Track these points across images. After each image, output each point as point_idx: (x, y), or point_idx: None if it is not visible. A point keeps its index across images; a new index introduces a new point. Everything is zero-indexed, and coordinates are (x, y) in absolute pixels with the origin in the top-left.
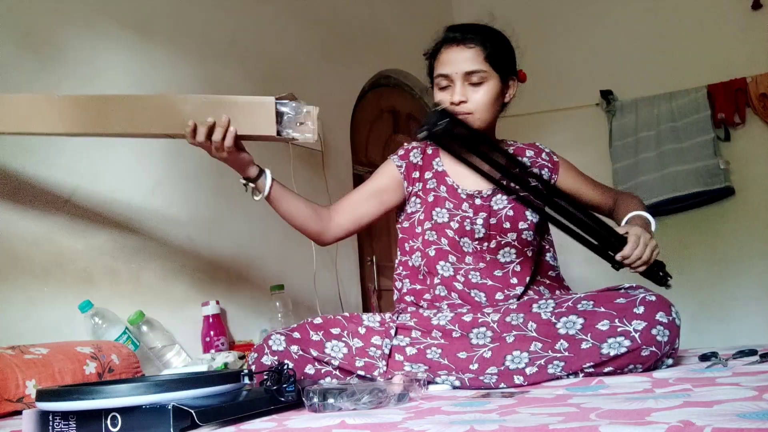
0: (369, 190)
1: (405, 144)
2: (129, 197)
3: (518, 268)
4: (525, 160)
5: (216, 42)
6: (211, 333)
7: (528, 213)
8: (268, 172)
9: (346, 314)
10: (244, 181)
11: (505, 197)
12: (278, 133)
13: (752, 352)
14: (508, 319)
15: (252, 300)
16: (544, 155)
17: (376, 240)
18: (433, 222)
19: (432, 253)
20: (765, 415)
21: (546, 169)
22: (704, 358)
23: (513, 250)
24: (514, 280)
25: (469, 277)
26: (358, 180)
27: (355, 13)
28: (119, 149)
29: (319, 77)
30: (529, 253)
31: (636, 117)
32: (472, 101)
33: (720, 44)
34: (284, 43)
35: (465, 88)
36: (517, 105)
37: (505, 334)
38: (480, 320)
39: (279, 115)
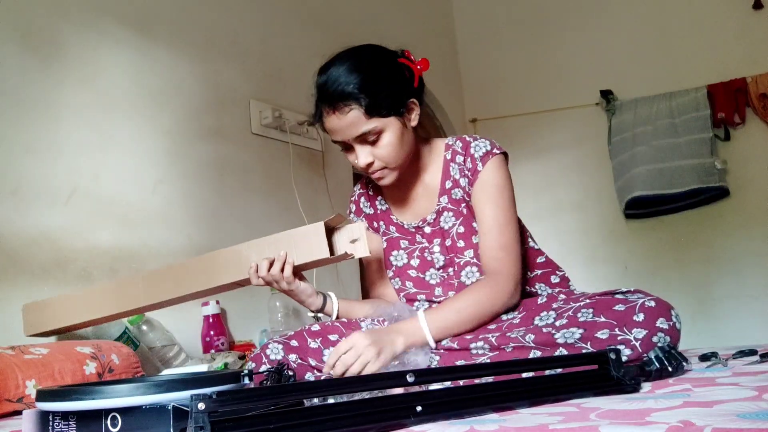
0: (377, 258)
1: (351, 195)
2: (129, 197)
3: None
4: (454, 167)
5: (217, 41)
6: (211, 333)
7: (475, 225)
8: (332, 297)
9: (344, 320)
10: (312, 314)
11: (451, 213)
12: (332, 253)
13: (752, 352)
14: (508, 333)
15: (252, 300)
16: (469, 162)
17: None
18: (393, 268)
19: (403, 300)
20: (765, 415)
21: (466, 179)
22: (704, 358)
23: (474, 269)
24: None
25: None
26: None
27: (356, 13)
28: (119, 149)
29: None
30: None
31: (635, 114)
32: (379, 157)
33: (720, 44)
34: (285, 42)
35: (364, 148)
36: (518, 105)
37: (503, 346)
38: (480, 335)
39: (331, 236)
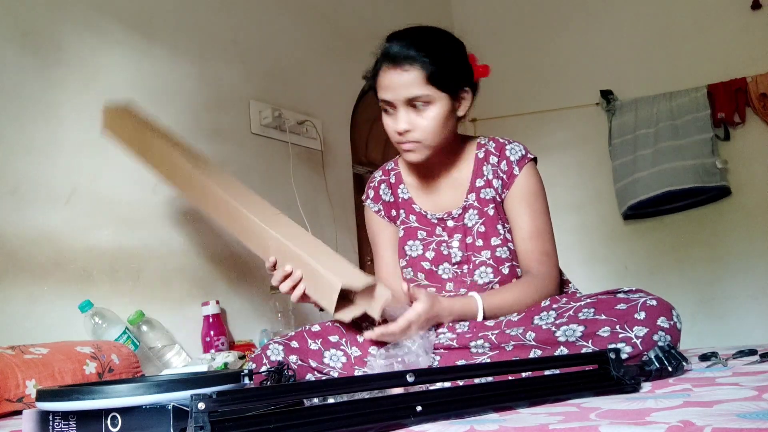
0: (391, 250)
1: (370, 181)
2: (129, 197)
3: (497, 287)
4: (488, 167)
5: (217, 41)
6: (211, 333)
7: (499, 226)
8: None
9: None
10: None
11: (476, 212)
12: (338, 308)
13: (752, 352)
14: (507, 330)
15: (252, 300)
16: (504, 164)
17: None
18: (407, 258)
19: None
20: (765, 415)
21: (500, 181)
22: (704, 358)
23: (489, 269)
24: None
25: None
26: (358, 179)
27: (356, 13)
28: (119, 149)
29: (320, 77)
30: (506, 271)
31: (635, 115)
32: (418, 128)
33: (720, 44)
34: (285, 42)
35: (409, 114)
36: (518, 105)
37: (503, 344)
38: (480, 334)
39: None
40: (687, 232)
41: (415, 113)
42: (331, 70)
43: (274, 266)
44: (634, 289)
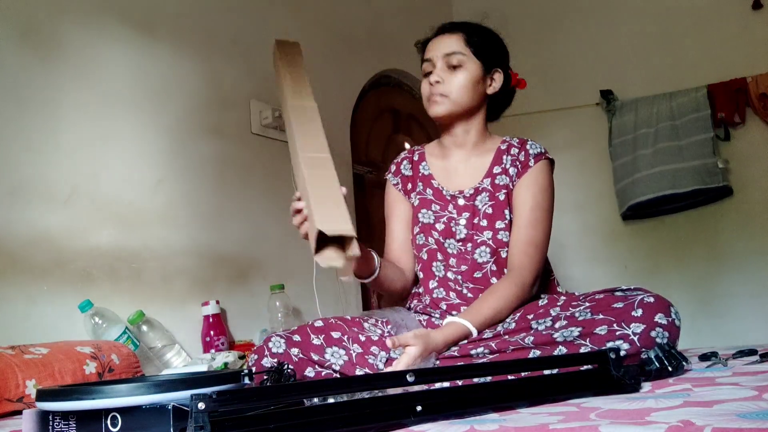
0: (403, 224)
1: (395, 159)
2: (130, 196)
3: (494, 268)
4: (507, 157)
5: (218, 40)
6: (211, 333)
7: (506, 212)
8: (375, 256)
9: (348, 317)
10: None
11: (487, 195)
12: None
13: (752, 352)
14: (506, 337)
15: (252, 300)
16: (522, 155)
17: (377, 239)
18: (420, 224)
19: (425, 256)
20: (765, 415)
21: (515, 169)
22: (704, 357)
23: (488, 250)
24: (494, 280)
25: (457, 278)
26: (358, 180)
27: (356, 13)
28: (120, 148)
29: (320, 77)
30: (503, 254)
31: (636, 115)
32: (448, 83)
33: (720, 44)
34: None
35: (444, 71)
36: (518, 105)
37: (503, 349)
38: (481, 344)
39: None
40: (687, 232)
41: (449, 72)
42: (332, 70)
43: (299, 200)
44: (632, 287)
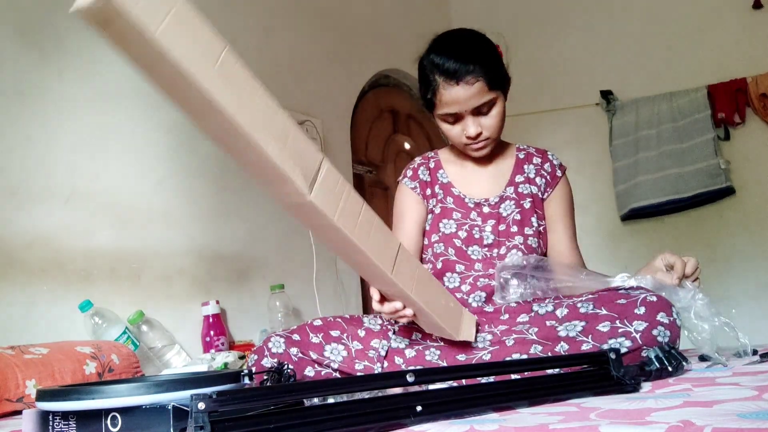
0: (417, 226)
1: (409, 165)
2: (130, 196)
3: None
4: (529, 167)
5: None
6: (211, 333)
7: (533, 219)
8: None
9: (347, 316)
10: None
11: (513, 203)
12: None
13: (752, 352)
14: (506, 315)
15: (252, 300)
16: (547, 166)
17: None
18: (440, 234)
19: (439, 265)
20: (765, 415)
21: (543, 180)
22: (704, 358)
23: (519, 254)
24: None
25: (477, 283)
26: (358, 180)
27: (356, 13)
28: (120, 147)
29: (320, 77)
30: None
31: (636, 116)
32: (487, 128)
33: (720, 44)
34: (285, 42)
35: (476, 119)
36: (518, 105)
37: (504, 338)
38: (487, 329)
39: None
40: (687, 232)
41: (481, 116)
42: (332, 70)
43: (381, 299)
44: (634, 286)
